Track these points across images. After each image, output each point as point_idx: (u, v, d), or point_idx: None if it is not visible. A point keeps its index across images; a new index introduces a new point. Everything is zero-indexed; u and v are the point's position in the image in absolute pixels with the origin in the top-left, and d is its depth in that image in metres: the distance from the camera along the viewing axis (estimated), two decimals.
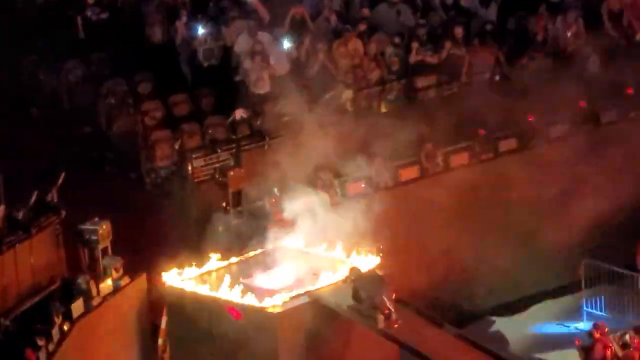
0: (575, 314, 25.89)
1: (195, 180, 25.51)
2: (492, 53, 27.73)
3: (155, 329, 23.33)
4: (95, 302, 22.51)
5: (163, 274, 23.52)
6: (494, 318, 26.18)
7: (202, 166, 25.62)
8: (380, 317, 22.77)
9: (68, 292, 22.44)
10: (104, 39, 26.98)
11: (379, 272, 23.51)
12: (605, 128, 27.54)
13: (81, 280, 22.51)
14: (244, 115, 26.32)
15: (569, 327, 25.69)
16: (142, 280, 23.33)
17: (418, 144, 25.94)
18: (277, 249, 24.06)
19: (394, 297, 22.97)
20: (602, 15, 28.76)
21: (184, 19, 26.86)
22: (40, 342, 21.16)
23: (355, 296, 23.02)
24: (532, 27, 28.14)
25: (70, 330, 21.89)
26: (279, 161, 24.91)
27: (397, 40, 27.58)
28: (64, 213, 23.04)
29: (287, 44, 27.01)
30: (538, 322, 26.13)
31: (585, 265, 26.16)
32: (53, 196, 23.13)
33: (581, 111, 27.26)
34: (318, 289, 23.30)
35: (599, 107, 27.52)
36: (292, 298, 23.01)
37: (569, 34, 28.25)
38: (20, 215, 22.69)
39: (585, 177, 25.99)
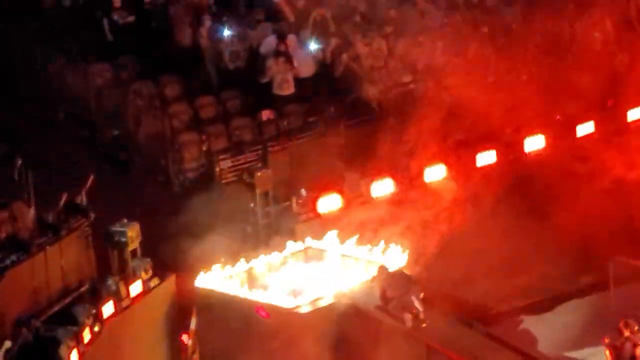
0: (603, 314, 25.79)
1: (223, 181, 25.55)
2: (521, 50, 27.77)
3: (184, 330, 23.40)
4: (124, 304, 22.64)
5: (192, 275, 23.75)
6: (522, 317, 26.12)
7: (229, 167, 25.64)
8: (408, 317, 22.84)
9: (98, 293, 22.54)
10: (131, 41, 27.08)
11: (407, 272, 23.68)
12: None
13: (111, 282, 22.65)
14: (270, 117, 26.41)
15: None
16: (171, 281, 23.45)
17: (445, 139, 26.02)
18: (306, 248, 24.21)
19: (421, 296, 23.13)
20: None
21: (208, 22, 26.90)
22: (71, 343, 21.32)
23: (383, 296, 23.12)
24: None
25: (100, 331, 21.99)
26: (305, 162, 25.11)
27: (421, 39, 27.66)
28: (93, 215, 23.07)
29: (312, 45, 27.08)
30: (566, 320, 26.17)
31: (613, 263, 26.20)
32: (82, 199, 23.15)
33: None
34: (346, 288, 23.50)
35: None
36: (320, 298, 23.24)
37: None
38: (50, 217, 22.78)
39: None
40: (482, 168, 26.18)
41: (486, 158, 26.22)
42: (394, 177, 25.48)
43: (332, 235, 24.31)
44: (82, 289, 22.68)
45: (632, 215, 26.42)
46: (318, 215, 24.88)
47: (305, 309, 23.00)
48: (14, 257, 22.01)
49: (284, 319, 22.91)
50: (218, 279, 23.69)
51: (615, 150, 26.44)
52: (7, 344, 20.26)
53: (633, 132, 27.21)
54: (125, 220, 23.08)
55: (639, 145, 26.82)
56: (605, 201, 26.02)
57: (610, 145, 26.61)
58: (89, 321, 21.83)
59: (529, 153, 26.60)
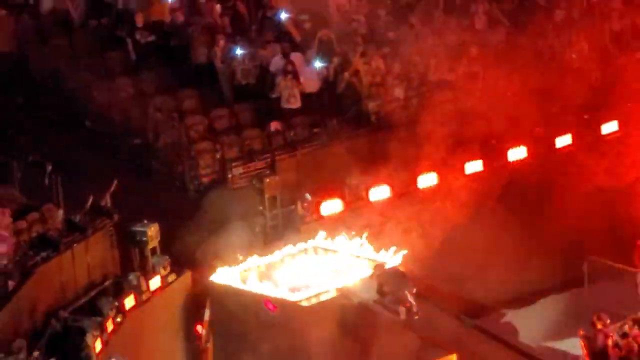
0: (578, 308, 25.74)
1: (234, 187, 25.45)
2: (504, 69, 27.73)
3: (199, 321, 23.31)
4: (144, 297, 22.59)
5: (206, 271, 23.69)
6: (505, 310, 26.06)
7: (240, 174, 25.57)
8: (402, 310, 22.84)
9: (120, 287, 22.52)
10: (151, 59, 26.96)
11: (401, 269, 23.65)
12: None
13: (132, 277, 22.62)
14: (278, 128, 26.37)
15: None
16: (186, 277, 23.40)
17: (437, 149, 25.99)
18: (309, 247, 24.17)
19: (414, 291, 23.12)
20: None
21: (222, 42, 26.76)
22: (96, 333, 21.26)
23: (380, 290, 23.10)
24: None
25: (122, 322, 21.97)
26: (310, 169, 25.07)
27: (416, 59, 27.62)
28: (116, 216, 23.07)
29: (317, 63, 27.05)
30: (545, 314, 26.12)
31: (588, 263, 26.16)
32: (106, 201, 23.17)
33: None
34: (346, 284, 23.46)
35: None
36: (323, 292, 23.20)
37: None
38: (77, 218, 22.78)
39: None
40: (470, 175, 26.09)
41: (474, 166, 26.14)
42: (390, 183, 25.39)
43: (333, 235, 24.28)
44: (106, 283, 22.66)
45: (606, 218, 26.35)
46: (321, 218, 24.85)
47: (309, 302, 23.00)
48: (44, 255, 21.98)
49: (290, 311, 22.90)
50: (230, 274, 23.64)
51: (592, 161, 26.41)
52: (20, 342, 20.21)
53: (607, 144, 27.17)
54: (146, 221, 23.03)
55: (613, 155, 26.80)
56: (583, 206, 25.98)
57: (588, 156, 26.59)
58: (112, 313, 21.83)
59: (513, 162, 26.54)
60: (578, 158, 26.45)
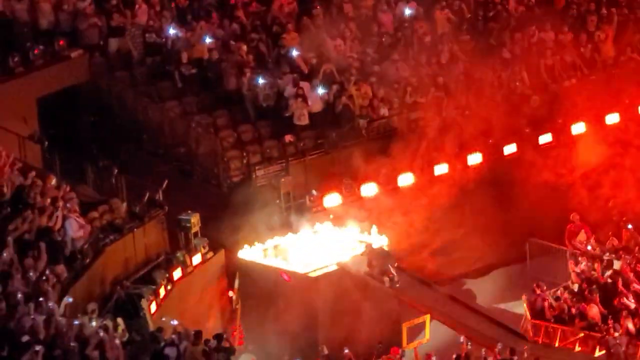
0: (522, 278, 25.43)
1: (258, 185, 25.16)
2: (464, 94, 27.39)
3: (231, 288, 23.21)
4: (189, 270, 22.54)
5: (236, 249, 23.49)
6: (465, 280, 25.81)
7: (262, 175, 25.26)
8: (386, 279, 22.72)
9: (170, 262, 22.43)
10: (193, 87, 26.61)
11: (386, 248, 23.43)
12: None
13: (179, 255, 22.54)
14: (291, 140, 26.08)
15: None
16: (221, 254, 23.26)
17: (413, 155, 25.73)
18: (316, 231, 23.93)
19: (396, 265, 22.93)
20: None
21: (248, 73, 26.45)
22: (151, 298, 21.16)
23: (369, 264, 22.94)
24: None
25: (171, 289, 21.95)
26: (315, 171, 24.81)
27: (396, 86, 27.38)
28: (166, 208, 22.98)
29: (320, 90, 26.77)
30: (496, 282, 25.84)
31: (529, 242, 25.91)
32: (159, 196, 23.09)
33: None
34: (344, 259, 23.21)
35: None
36: (326, 266, 22.96)
37: None
38: (137, 209, 22.72)
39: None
40: (439, 176, 25.72)
41: (441, 169, 25.82)
42: (377, 182, 25.10)
43: (334, 222, 24.05)
44: (159, 259, 22.56)
45: (548, 209, 25.98)
46: (324, 209, 24.58)
47: (315, 274, 22.84)
48: (111, 237, 21.95)
49: (301, 280, 22.75)
50: (254, 252, 23.51)
51: (535, 165, 26.08)
52: (93, 305, 19.98)
53: (545, 151, 26.79)
54: (189, 212, 22.96)
55: (552, 160, 26.44)
56: (529, 200, 25.67)
57: (530, 161, 26.19)
58: (164, 282, 21.81)
59: (471, 165, 26.19)
60: (522, 162, 26.12)
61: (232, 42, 27.06)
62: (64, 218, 20.95)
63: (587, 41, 28.76)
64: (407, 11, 28.45)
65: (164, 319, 20.45)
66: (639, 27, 29.29)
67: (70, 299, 19.43)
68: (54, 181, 22.03)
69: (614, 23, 29.09)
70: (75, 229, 20.93)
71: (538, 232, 25.70)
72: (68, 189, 22.15)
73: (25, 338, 17.33)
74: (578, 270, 23.64)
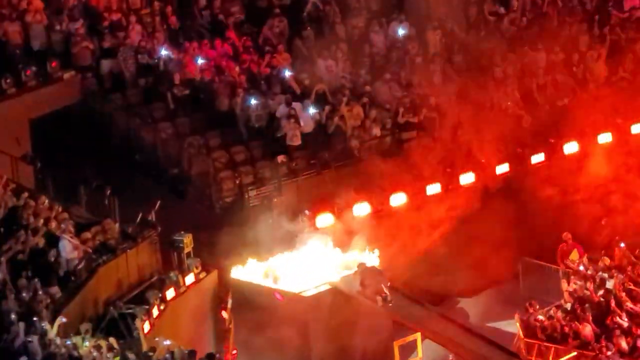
0: (514, 297, 25.56)
1: (250, 205, 25.35)
2: (456, 114, 27.77)
3: (223, 307, 23.29)
4: (182, 290, 22.62)
5: (229, 269, 23.63)
6: (458, 299, 26.00)
7: (254, 196, 25.48)
8: (379, 299, 22.82)
9: (163, 282, 22.50)
10: (186, 108, 26.80)
11: (378, 267, 23.62)
12: None
13: (172, 275, 22.64)
14: (284, 160, 26.24)
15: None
16: (214, 274, 23.38)
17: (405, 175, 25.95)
18: (308, 249, 24.05)
19: (388, 284, 23.09)
20: None
21: (241, 94, 26.66)
22: (144, 317, 21.27)
23: (362, 284, 23.06)
24: None
25: (164, 309, 22.02)
26: (308, 191, 25.00)
27: (388, 106, 27.64)
28: (159, 228, 23.10)
29: (312, 110, 27.02)
30: (489, 301, 26.00)
31: (522, 262, 26.11)
32: (152, 216, 23.21)
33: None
34: (336, 278, 23.36)
35: None
36: (319, 285, 23.10)
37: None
38: (130, 229, 22.86)
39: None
40: (431, 196, 25.95)
41: (433, 189, 26.04)
42: (370, 202, 25.30)
43: (327, 241, 24.22)
44: (152, 279, 22.67)
45: (547, 227, 26.27)
46: (317, 229, 24.67)
47: (308, 293, 22.98)
48: (104, 258, 22.08)
49: (293, 300, 22.88)
50: (247, 272, 23.64)
51: (526, 184, 26.33)
52: (86, 325, 20.16)
53: (537, 171, 27.01)
54: (182, 232, 23.08)
55: (542, 180, 26.76)
56: (522, 219, 25.95)
57: (522, 180, 26.44)
58: (157, 302, 21.87)
59: (464, 185, 26.41)
60: (515, 182, 26.36)
61: (224, 63, 27.33)
62: (58, 239, 21.20)
63: (580, 61, 29.13)
64: (401, 31, 28.72)
65: (157, 338, 20.60)
66: (631, 47, 29.66)
67: (64, 319, 19.63)
68: (46, 202, 22.29)
69: (606, 43, 29.45)
70: (70, 250, 21.16)
71: (532, 251, 25.90)
72: (60, 209, 22.45)
73: (24, 359, 17.53)
74: (571, 290, 23.83)
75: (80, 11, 27.50)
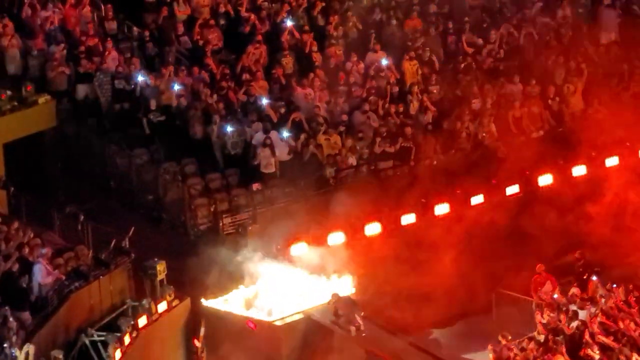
0: (488, 328, 25.59)
1: (225, 233, 25.41)
2: (432, 144, 28.11)
3: (196, 336, 23.33)
4: (154, 317, 22.64)
5: (202, 297, 23.72)
6: (432, 329, 26.06)
7: (229, 223, 25.55)
8: (353, 328, 22.90)
9: (135, 310, 22.55)
10: (162, 134, 26.93)
11: (352, 297, 23.75)
12: None
13: (145, 302, 22.67)
14: (259, 188, 26.32)
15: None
16: (187, 302, 23.42)
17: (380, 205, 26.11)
18: (282, 278, 24.07)
19: (362, 314, 23.21)
20: None
21: (217, 121, 26.73)
22: (116, 345, 21.31)
23: (335, 313, 23.17)
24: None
25: (136, 337, 22.02)
26: (283, 220, 25.13)
27: (361, 135, 27.75)
28: (133, 255, 23.16)
29: (288, 137, 27.11)
30: (463, 332, 26.08)
31: (495, 293, 26.20)
32: (126, 243, 23.28)
33: None
34: (309, 307, 23.49)
35: None
36: (291, 314, 23.20)
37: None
38: (103, 256, 22.91)
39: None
40: (406, 226, 26.17)
41: (408, 219, 26.21)
42: (344, 231, 25.41)
43: (301, 270, 24.32)
44: (125, 306, 22.70)
45: (518, 258, 26.48)
46: (291, 258, 24.68)
47: (281, 322, 23.06)
48: (77, 284, 22.09)
49: (267, 329, 22.94)
50: (221, 300, 23.69)
51: (501, 215, 26.61)
52: (57, 352, 20.17)
53: (511, 202, 27.31)
54: (156, 259, 23.08)
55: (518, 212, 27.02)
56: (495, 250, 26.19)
57: (499, 211, 26.75)
58: (129, 329, 21.87)
59: (438, 215, 26.65)
60: (489, 212, 26.59)
61: (201, 89, 27.48)
62: (31, 264, 21.26)
63: (555, 94, 29.48)
64: (384, 62, 28.90)
65: None
66: (607, 80, 30.03)
67: (32, 346, 19.64)
68: (16, 226, 22.35)
69: (583, 76, 29.83)
70: (44, 275, 21.20)
71: (505, 282, 26.11)
72: (32, 235, 22.51)
73: None
74: (544, 321, 24.02)
75: (58, 35, 27.67)
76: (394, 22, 30.02)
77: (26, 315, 20.84)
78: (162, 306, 22.84)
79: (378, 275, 25.00)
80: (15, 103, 26.19)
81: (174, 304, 23.09)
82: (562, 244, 26.71)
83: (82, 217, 23.39)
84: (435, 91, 28.96)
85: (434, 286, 25.61)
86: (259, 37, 28.73)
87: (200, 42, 28.60)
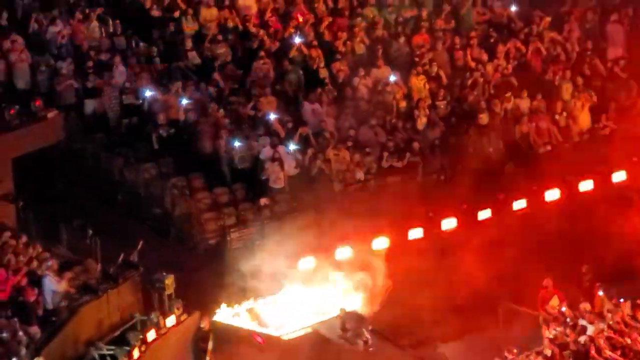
0: (494, 343, 25.45)
1: (233, 247, 25.52)
2: (439, 159, 28.17)
3: (204, 350, 23.43)
4: (162, 331, 22.67)
5: (211, 311, 23.77)
6: (438, 344, 26.05)
7: (237, 238, 25.68)
8: (360, 343, 23.01)
9: (144, 324, 22.65)
10: (170, 148, 27.02)
11: (359, 311, 23.88)
12: None
13: (153, 316, 22.76)
14: (267, 203, 26.44)
15: None
16: (196, 315, 23.41)
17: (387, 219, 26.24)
18: (291, 292, 24.27)
19: (370, 328, 23.34)
20: None
21: (225, 135, 26.82)
22: (125, 359, 21.47)
23: (343, 327, 23.27)
24: None
25: (145, 351, 22.07)
26: (290, 234, 25.29)
27: (368, 150, 27.89)
28: (141, 269, 23.27)
29: (296, 152, 27.12)
30: (469, 347, 26.14)
31: (502, 308, 26.28)
32: (134, 257, 23.38)
33: None
34: (317, 322, 23.63)
35: None
36: (299, 328, 23.31)
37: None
38: (112, 270, 23.04)
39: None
40: (413, 241, 26.27)
41: (415, 234, 26.33)
42: (352, 245, 25.50)
43: (309, 284, 24.44)
44: (133, 320, 22.82)
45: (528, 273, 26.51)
46: (299, 271, 24.75)
47: (289, 336, 23.18)
48: (86, 298, 22.26)
49: (274, 343, 23.06)
50: (229, 314, 23.80)
51: (504, 231, 26.76)
52: None
53: (519, 219, 27.48)
54: (164, 273, 23.15)
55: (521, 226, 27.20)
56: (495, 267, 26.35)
57: (504, 226, 26.89)
58: (138, 343, 21.99)
59: (445, 230, 26.80)
60: (497, 228, 26.63)
61: (209, 104, 27.63)
62: (40, 278, 21.46)
63: (563, 109, 29.67)
64: (392, 77, 29.05)
65: None
66: (615, 95, 30.19)
67: None
68: (25, 240, 22.54)
69: (590, 91, 29.99)
70: (56, 282, 21.35)
71: (509, 297, 26.23)
72: (41, 249, 22.71)
73: None
74: (551, 336, 24.14)
75: (67, 50, 27.92)
76: (402, 38, 30.24)
77: (35, 329, 21.01)
78: (170, 320, 22.89)
79: (386, 289, 24.93)
80: (24, 118, 26.34)
81: (182, 318, 23.15)
82: (571, 259, 26.80)
83: (90, 231, 23.48)
84: (442, 106, 29.13)
85: (441, 300, 25.55)
86: (266, 53, 28.89)
87: (209, 57, 28.81)
